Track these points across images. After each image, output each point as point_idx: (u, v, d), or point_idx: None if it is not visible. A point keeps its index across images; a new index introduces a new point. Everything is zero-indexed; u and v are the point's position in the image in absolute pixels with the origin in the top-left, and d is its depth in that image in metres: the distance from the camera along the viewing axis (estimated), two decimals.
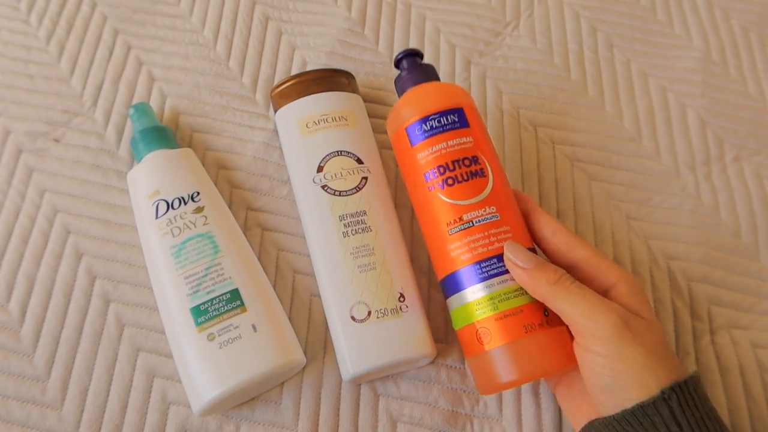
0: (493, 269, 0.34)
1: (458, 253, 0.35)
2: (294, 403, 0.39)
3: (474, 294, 0.34)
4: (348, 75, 0.46)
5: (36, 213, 0.44)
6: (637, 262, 0.44)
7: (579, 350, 0.32)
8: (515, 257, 0.34)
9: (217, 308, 0.38)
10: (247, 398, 0.39)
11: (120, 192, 0.45)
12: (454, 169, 0.35)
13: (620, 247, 0.44)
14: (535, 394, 0.40)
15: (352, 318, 0.38)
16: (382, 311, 0.38)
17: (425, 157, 0.36)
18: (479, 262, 0.34)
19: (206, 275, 0.38)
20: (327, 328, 0.41)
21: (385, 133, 0.47)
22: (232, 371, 0.36)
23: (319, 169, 0.41)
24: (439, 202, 0.36)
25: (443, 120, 0.36)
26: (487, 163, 0.36)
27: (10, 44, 0.50)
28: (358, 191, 0.41)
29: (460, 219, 0.35)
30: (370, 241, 0.39)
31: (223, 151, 0.46)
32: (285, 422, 0.39)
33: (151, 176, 0.42)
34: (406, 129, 0.37)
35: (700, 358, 0.41)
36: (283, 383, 0.40)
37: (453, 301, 0.36)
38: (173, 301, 0.38)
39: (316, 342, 0.41)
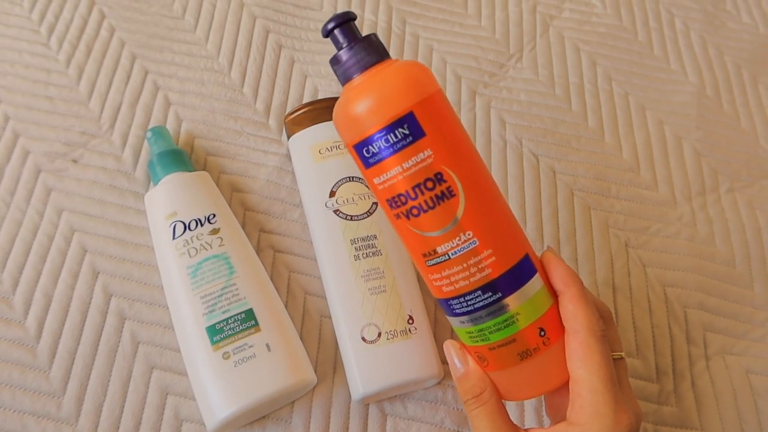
0: (479, 302, 0.31)
1: (440, 284, 0.32)
2: (304, 422, 0.40)
3: (463, 324, 0.32)
4: None
5: (54, 232, 0.45)
6: (635, 288, 0.45)
7: None
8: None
9: (232, 327, 0.39)
10: (259, 416, 0.40)
11: (136, 212, 0.46)
12: (416, 196, 0.30)
13: (619, 274, 0.46)
14: (538, 413, 0.41)
15: (363, 339, 0.39)
16: (392, 333, 0.39)
17: (381, 184, 0.31)
18: (463, 295, 0.31)
19: (222, 295, 0.40)
20: (337, 348, 0.42)
21: None
22: (247, 389, 0.37)
23: (332, 194, 0.43)
24: (410, 233, 0.31)
25: (390, 138, 0.29)
26: (454, 177, 0.30)
27: (30, 67, 0.52)
28: (369, 216, 0.42)
29: (435, 252, 0.31)
30: (380, 265, 0.41)
31: (237, 174, 0.48)
32: None
33: (169, 198, 0.43)
34: (353, 147, 0.31)
35: (696, 382, 0.43)
36: (293, 402, 0.41)
37: (450, 319, 0.34)
38: (189, 320, 0.40)
39: (326, 362, 0.42)
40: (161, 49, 0.53)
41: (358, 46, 0.31)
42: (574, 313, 0.31)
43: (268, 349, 0.39)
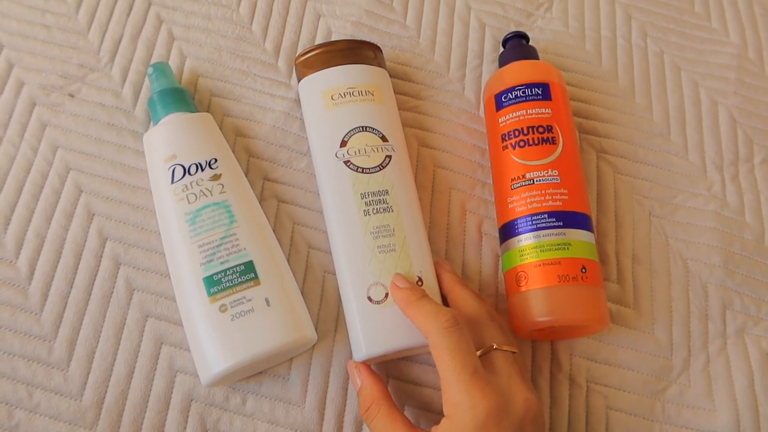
0: (542, 223, 0.38)
1: (515, 205, 0.39)
2: (302, 380, 0.39)
3: (521, 242, 0.39)
4: (375, 48, 0.44)
5: (48, 169, 0.43)
6: (656, 259, 0.43)
7: None
8: (395, 280, 0.37)
9: (230, 279, 0.37)
10: (255, 372, 0.39)
11: (134, 153, 0.44)
12: (528, 133, 0.40)
13: (640, 244, 0.43)
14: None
15: (369, 299, 0.37)
16: None
17: (505, 121, 0.41)
18: (531, 215, 0.38)
19: (221, 245, 0.38)
20: (339, 305, 0.40)
21: (409, 110, 0.46)
22: (244, 345, 0.36)
23: (343, 143, 0.40)
24: (510, 160, 0.40)
25: (528, 91, 0.41)
26: (560, 134, 0.40)
27: None
28: (381, 169, 0.40)
29: (523, 176, 0.39)
30: (391, 222, 0.39)
31: (241, 117, 0.45)
32: (292, 398, 0.39)
33: (169, 139, 0.41)
34: (494, 96, 0.42)
35: (712, 362, 0.41)
36: (292, 359, 0.39)
37: (504, 247, 0.40)
38: (186, 270, 0.38)
39: (328, 319, 0.40)
40: None
41: (525, 47, 0.45)
42: (424, 314, 0.34)
43: (267, 304, 0.37)
